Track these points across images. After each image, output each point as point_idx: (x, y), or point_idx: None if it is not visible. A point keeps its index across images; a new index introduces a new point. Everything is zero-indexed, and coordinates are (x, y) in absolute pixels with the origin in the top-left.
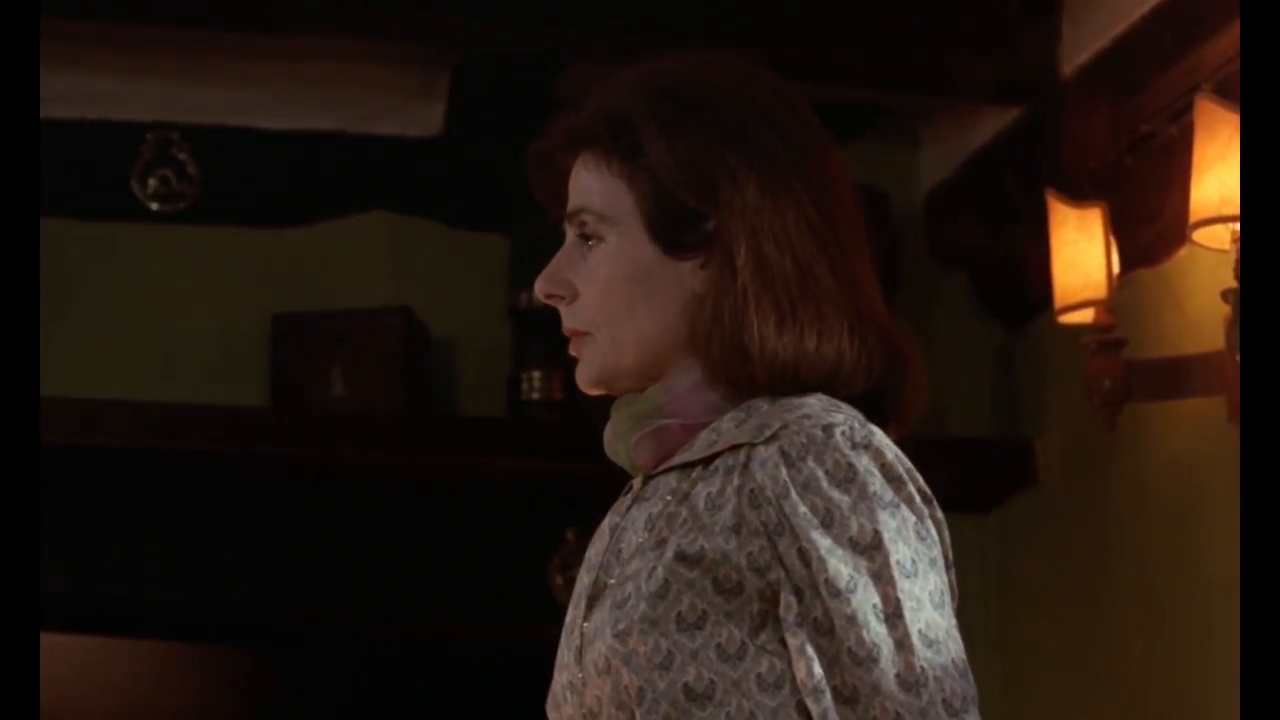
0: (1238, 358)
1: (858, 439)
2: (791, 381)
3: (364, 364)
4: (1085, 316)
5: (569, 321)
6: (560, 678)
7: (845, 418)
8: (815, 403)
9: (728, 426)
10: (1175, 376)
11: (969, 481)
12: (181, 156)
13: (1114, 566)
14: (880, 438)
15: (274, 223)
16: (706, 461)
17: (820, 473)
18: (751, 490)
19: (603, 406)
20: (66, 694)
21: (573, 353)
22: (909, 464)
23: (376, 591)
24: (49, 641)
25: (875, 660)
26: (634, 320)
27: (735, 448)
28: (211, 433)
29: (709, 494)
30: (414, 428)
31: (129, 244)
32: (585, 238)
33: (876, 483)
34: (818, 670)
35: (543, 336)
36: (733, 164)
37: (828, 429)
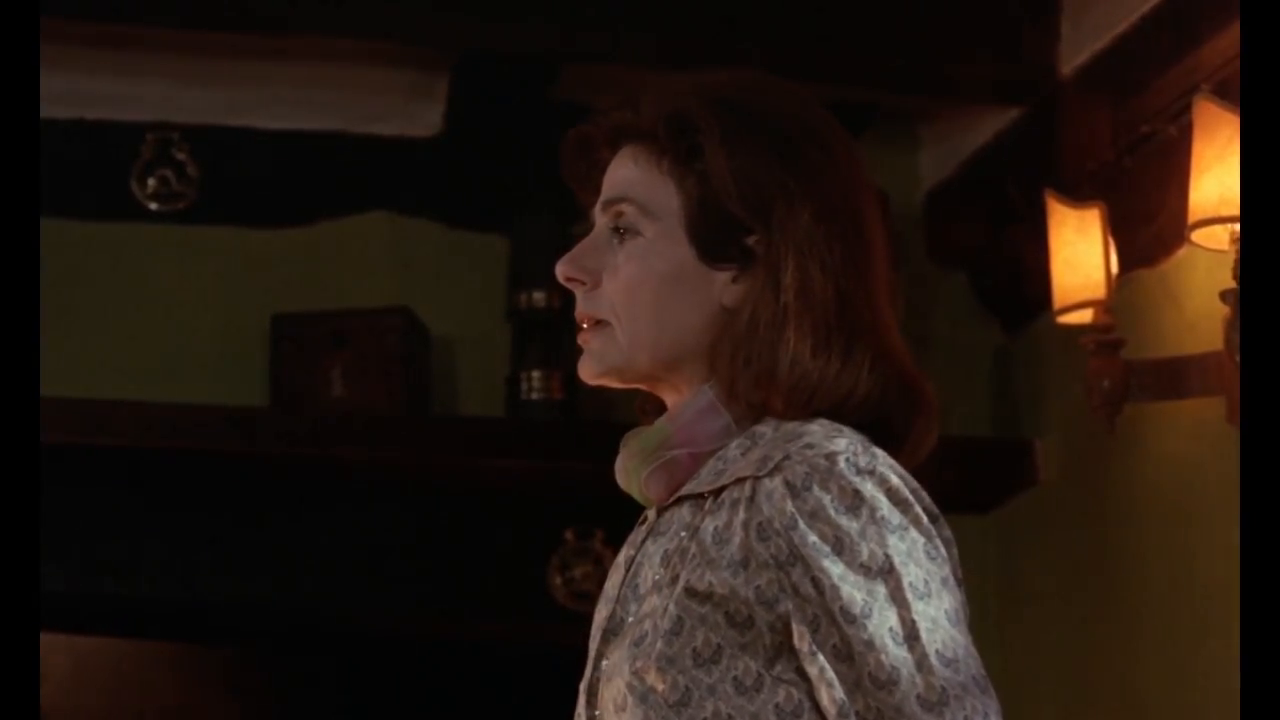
0: (1236, 358)
1: (862, 465)
2: (806, 406)
3: (363, 364)
4: (1084, 317)
5: (586, 307)
6: (578, 709)
7: (847, 443)
8: (818, 429)
9: (734, 455)
10: (1174, 377)
11: (968, 482)
12: (181, 156)
13: (1113, 566)
14: (884, 461)
15: (273, 223)
16: (716, 493)
17: (826, 500)
18: (759, 524)
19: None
20: (66, 694)
21: (581, 341)
22: (914, 484)
23: (376, 591)
24: (49, 641)
25: (896, 683)
26: (657, 319)
27: (740, 480)
28: (211, 433)
29: (716, 528)
30: (413, 428)
31: (128, 244)
32: (620, 230)
33: (883, 507)
34: (840, 695)
35: (542, 337)
36: (791, 187)
37: (830, 457)
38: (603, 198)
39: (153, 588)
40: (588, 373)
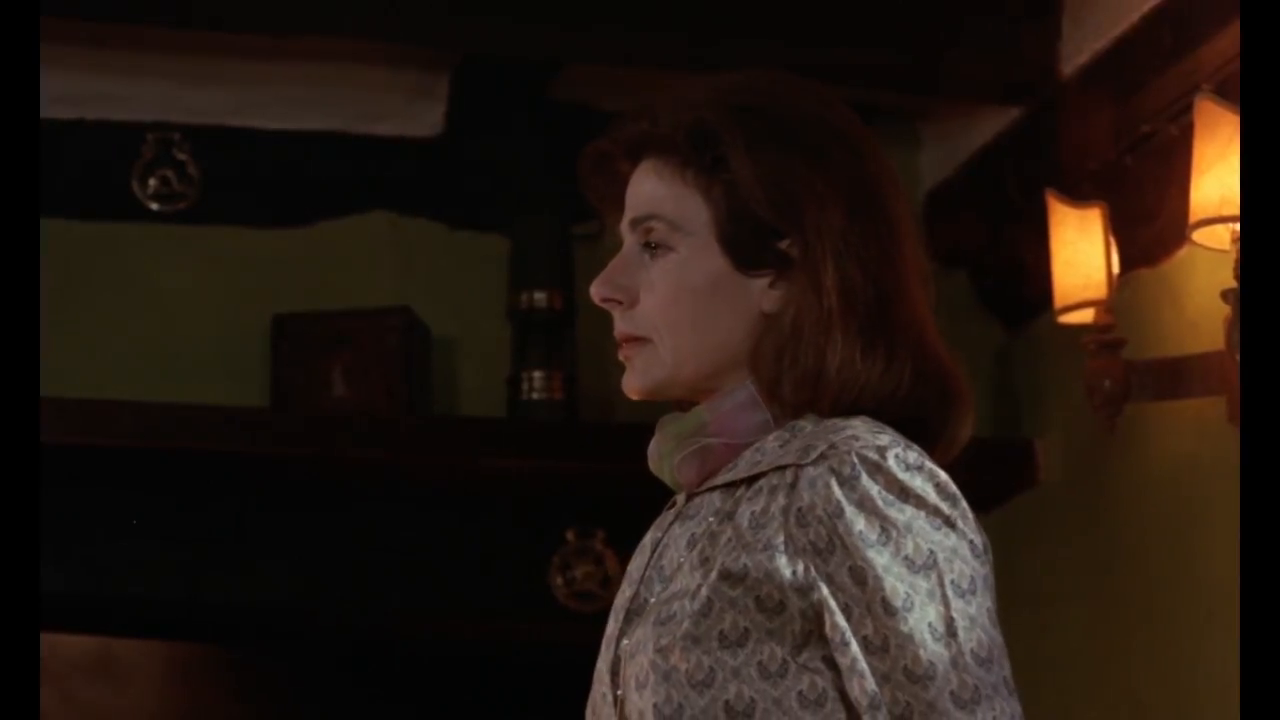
0: (1238, 358)
1: (910, 461)
2: (849, 406)
3: (364, 364)
4: (1085, 317)
5: (626, 326)
6: (597, 688)
7: (892, 439)
8: (860, 424)
9: (772, 446)
10: (1175, 377)
11: (968, 482)
12: (182, 157)
13: (1114, 567)
14: (930, 459)
15: (274, 223)
16: (750, 481)
17: (875, 491)
18: (799, 509)
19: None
20: (67, 694)
21: (623, 358)
22: (956, 488)
23: (376, 591)
24: (49, 641)
25: (931, 678)
26: (698, 332)
27: (781, 468)
28: (211, 433)
29: (753, 513)
30: (414, 428)
31: (129, 244)
32: (651, 245)
33: (931, 501)
34: (871, 686)
35: (543, 337)
36: (820, 188)
37: (880, 450)
38: (630, 216)
39: (153, 588)
40: (633, 389)
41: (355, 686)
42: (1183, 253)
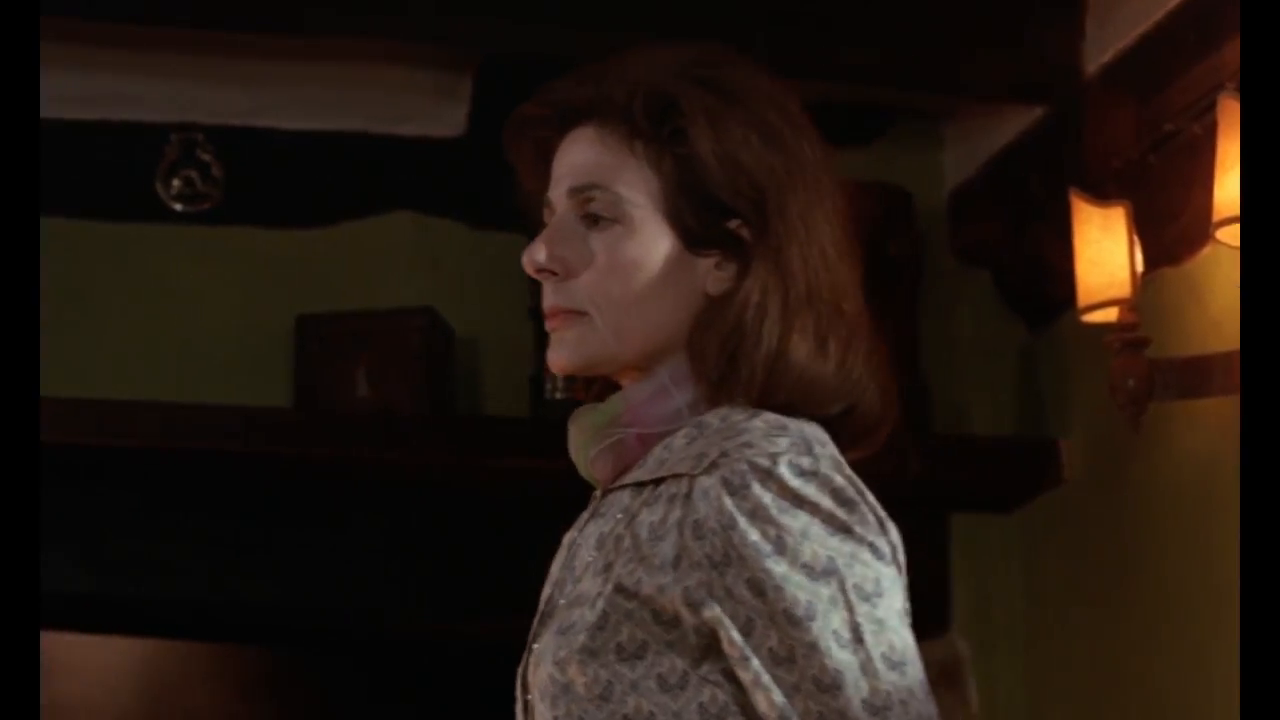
0: None
1: (805, 466)
2: (801, 404)
3: (387, 364)
4: (1109, 315)
5: (559, 299)
6: (517, 692)
7: (789, 443)
8: (760, 426)
9: (680, 444)
10: (1199, 375)
11: (992, 481)
12: (206, 157)
13: (1138, 566)
14: (827, 463)
15: (297, 223)
16: (656, 483)
17: (767, 500)
18: (695, 522)
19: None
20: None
21: (551, 328)
22: (861, 485)
23: (401, 591)
24: (70, 641)
25: (840, 687)
26: (643, 310)
27: (677, 476)
28: (235, 434)
29: (652, 523)
30: (437, 428)
31: (153, 245)
32: (592, 217)
33: (826, 507)
34: (779, 698)
35: None
36: (780, 172)
37: (773, 457)
38: (569, 184)
39: (176, 588)
40: (562, 363)
41: (374, 686)
42: (1206, 251)
